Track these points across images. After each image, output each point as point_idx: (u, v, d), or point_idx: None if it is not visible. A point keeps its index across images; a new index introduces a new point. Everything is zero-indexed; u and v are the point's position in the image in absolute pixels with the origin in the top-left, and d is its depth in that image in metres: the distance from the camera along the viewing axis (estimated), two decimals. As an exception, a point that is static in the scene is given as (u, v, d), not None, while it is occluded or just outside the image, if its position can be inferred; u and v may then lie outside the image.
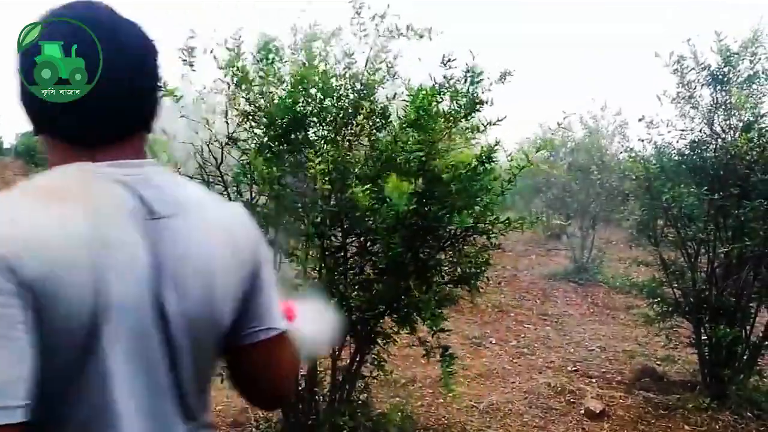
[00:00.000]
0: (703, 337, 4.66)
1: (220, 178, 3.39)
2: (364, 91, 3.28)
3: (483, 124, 3.40)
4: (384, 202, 2.87)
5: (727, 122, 4.40)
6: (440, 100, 3.30)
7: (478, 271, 3.37)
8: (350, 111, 3.26)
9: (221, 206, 0.92)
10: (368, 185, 2.83)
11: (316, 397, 3.60)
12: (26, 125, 0.87)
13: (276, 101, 3.27)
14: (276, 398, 1.11)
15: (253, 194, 3.42)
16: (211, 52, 3.17)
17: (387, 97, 3.40)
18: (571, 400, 4.67)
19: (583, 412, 4.42)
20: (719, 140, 4.41)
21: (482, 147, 3.15)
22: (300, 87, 3.16)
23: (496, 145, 3.18)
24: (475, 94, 3.34)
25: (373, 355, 3.63)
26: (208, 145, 3.36)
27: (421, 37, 3.29)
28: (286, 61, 3.35)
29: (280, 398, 1.18)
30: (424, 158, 3.07)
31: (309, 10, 3.42)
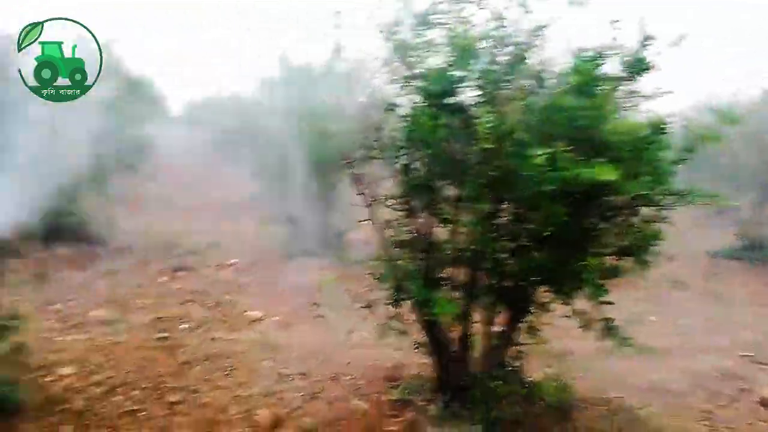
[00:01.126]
0: None
1: (377, 142, 3.48)
2: (517, 54, 3.19)
3: (649, 94, 3.18)
4: (551, 167, 2.79)
5: None
6: (603, 63, 3.15)
7: (646, 244, 3.18)
8: (506, 73, 3.19)
9: None
10: (545, 149, 2.76)
11: (468, 359, 3.63)
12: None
13: (432, 67, 3.30)
14: None
15: (410, 158, 3.47)
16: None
17: (542, 62, 3.28)
18: (742, 386, 4.29)
19: (758, 400, 4.05)
20: None
21: (658, 117, 2.95)
22: (460, 52, 3.14)
23: (670, 117, 2.98)
24: (643, 58, 3.15)
25: (527, 323, 3.58)
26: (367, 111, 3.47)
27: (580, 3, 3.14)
28: (435, 27, 3.33)
29: None
30: (588, 123, 2.94)
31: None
